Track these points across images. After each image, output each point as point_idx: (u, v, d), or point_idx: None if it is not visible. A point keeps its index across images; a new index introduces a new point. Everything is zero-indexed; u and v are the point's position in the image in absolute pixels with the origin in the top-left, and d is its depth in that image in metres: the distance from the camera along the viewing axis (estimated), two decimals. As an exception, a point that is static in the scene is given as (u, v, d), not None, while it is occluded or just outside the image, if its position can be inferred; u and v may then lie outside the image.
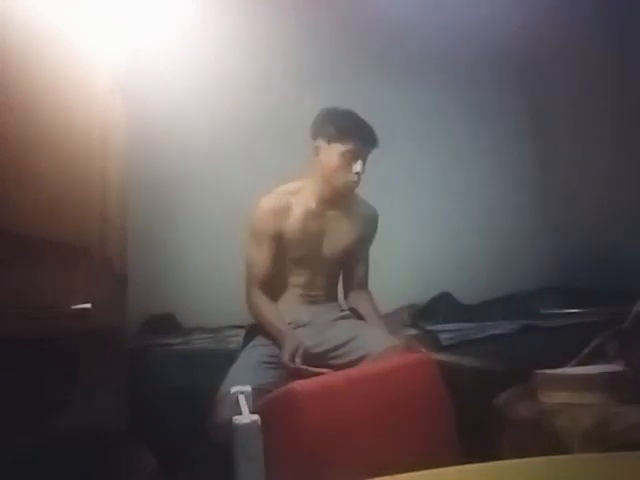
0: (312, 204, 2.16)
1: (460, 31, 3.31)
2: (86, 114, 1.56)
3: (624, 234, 3.12)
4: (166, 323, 3.30)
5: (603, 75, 3.26)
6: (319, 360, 2.04)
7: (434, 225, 3.73)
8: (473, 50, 3.51)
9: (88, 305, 1.38)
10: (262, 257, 2.12)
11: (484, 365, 2.16)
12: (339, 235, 2.19)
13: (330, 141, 2.08)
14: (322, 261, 2.20)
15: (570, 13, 3.20)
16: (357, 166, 2.06)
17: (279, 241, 2.14)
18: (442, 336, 2.53)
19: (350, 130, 2.07)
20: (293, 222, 2.14)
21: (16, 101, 1.12)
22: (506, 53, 3.58)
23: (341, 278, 2.30)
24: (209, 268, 3.30)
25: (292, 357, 1.91)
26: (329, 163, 2.09)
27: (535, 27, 3.30)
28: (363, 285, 2.28)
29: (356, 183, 2.11)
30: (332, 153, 2.08)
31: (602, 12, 3.10)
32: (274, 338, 2.04)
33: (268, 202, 2.14)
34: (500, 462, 1.17)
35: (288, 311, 2.17)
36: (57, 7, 1.38)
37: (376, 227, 2.28)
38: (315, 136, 2.13)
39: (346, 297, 2.30)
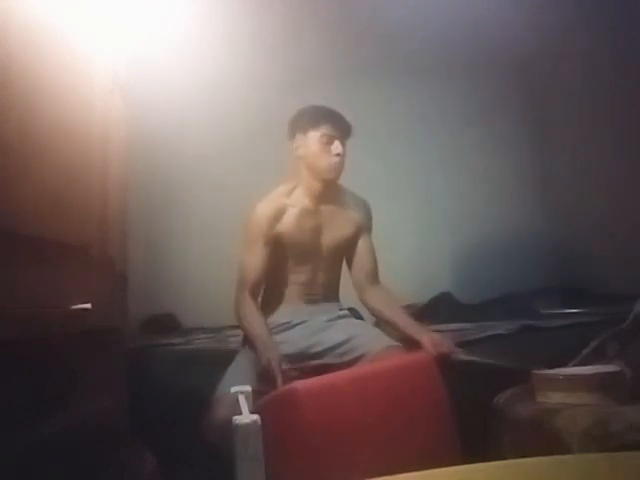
0: (306, 201, 2.17)
1: (458, 31, 3.31)
2: (86, 114, 1.56)
3: (624, 234, 3.12)
4: (166, 323, 3.31)
5: (603, 76, 3.27)
6: (316, 360, 2.05)
7: (434, 225, 3.74)
8: (471, 50, 3.51)
9: (88, 305, 1.38)
10: (255, 263, 2.11)
11: (496, 362, 2.14)
12: (337, 227, 2.20)
13: (306, 131, 2.12)
14: (322, 256, 2.19)
15: (569, 13, 3.20)
16: (336, 147, 2.09)
17: (277, 244, 2.14)
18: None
19: (321, 115, 2.12)
20: (290, 222, 2.14)
21: (16, 101, 1.12)
22: (506, 53, 3.58)
23: (351, 276, 2.26)
24: (209, 268, 3.31)
25: (274, 370, 1.87)
26: (310, 152, 2.12)
27: (535, 28, 3.30)
28: (375, 279, 2.23)
29: (339, 165, 2.11)
30: (310, 142, 2.11)
31: (602, 11, 3.10)
32: (256, 349, 2.01)
33: (264, 208, 2.14)
34: (500, 462, 1.17)
35: (286, 310, 2.17)
36: (57, 7, 1.38)
37: (371, 215, 2.27)
38: (292, 135, 2.17)
39: (362, 296, 2.22)
